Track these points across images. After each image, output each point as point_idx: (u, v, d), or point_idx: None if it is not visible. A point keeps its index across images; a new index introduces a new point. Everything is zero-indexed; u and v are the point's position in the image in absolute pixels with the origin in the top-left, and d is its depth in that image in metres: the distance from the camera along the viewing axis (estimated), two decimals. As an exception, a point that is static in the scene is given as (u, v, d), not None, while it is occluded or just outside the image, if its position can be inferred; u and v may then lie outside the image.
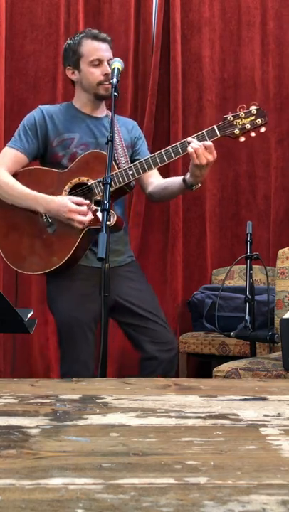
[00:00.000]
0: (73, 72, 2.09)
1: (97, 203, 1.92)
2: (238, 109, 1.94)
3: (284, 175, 3.58)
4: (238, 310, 2.76)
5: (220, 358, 2.78)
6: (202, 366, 3.36)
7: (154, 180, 2.16)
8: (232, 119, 1.94)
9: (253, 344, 2.22)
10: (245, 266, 2.18)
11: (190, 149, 1.88)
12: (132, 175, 1.95)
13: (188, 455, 0.57)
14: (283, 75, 3.60)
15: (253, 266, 2.21)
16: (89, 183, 1.98)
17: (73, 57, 2.06)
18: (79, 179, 2.00)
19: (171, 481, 0.49)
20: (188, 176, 1.97)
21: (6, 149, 2.08)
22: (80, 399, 0.85)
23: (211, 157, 1.88)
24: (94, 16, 3.51)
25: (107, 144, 1.82)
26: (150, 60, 3.45)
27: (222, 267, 3.51)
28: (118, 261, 2.09)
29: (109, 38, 2.09)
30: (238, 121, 1.93)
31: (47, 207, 1.96)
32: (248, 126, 1.92)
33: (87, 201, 1.95)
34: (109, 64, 2.03)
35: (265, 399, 0.86)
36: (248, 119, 1.93)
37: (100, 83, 2.05)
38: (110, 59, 2.04)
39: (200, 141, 1.89)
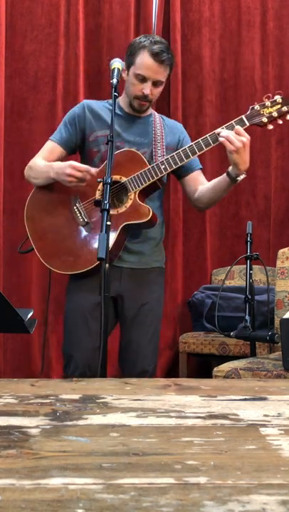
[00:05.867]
0: (124, 70, 2.05)
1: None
2: (263, 98, 1.98)
3: (284, 175, 3.58)
4: (238, 310, 2.76)
5: (220, 358, 2.78)
6: (202, 366, 3.37)
7: (201, 185, 2.16)
8: (259, 108, 1.97)
9: (253, 344, 2.22)
10: (245, 266, 2.18)
11: (221, 138, 1.91)
12: (164, 169, 1.97)
13: (188, 455, 0.57)
14: (283, 75, 3.60)
15: (253, 266, 2.21)
16: (122, 181, 1.99)
17: (128, 59, 2.04)
18: (111, 178, 2.00)
19: (171, 481, 0.49)
20: (230, 168, 1.99)
21: (47, 142, 2.17)
22: (80, 399, 0.85)
23: (244, 139, 1.90)
24: (94, 15, 3.51)
25: (107, 143, 1.81)
26: (150, 60, 3.45)
27: (222, 266, 3.52)
28: (135, 263, 2.09)
29: (166, 61, 2.00)
30: (264, 110, 1.97)
31: (55, 169, 2.00)
32: (275, 114, 1.96)
33: (87, 168, 1.97)
34: (155, 82, 2.01)
35: (265, 399, 0.86)
36: (275, 108, 1.97)
37: (136, 97, 2.05)
38: (159, 81, 2.02)
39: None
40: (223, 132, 1.91)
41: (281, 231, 3.54)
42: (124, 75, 2.06)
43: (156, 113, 2.20)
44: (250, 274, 2.15)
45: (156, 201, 2.13)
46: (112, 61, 2.00)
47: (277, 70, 3.59)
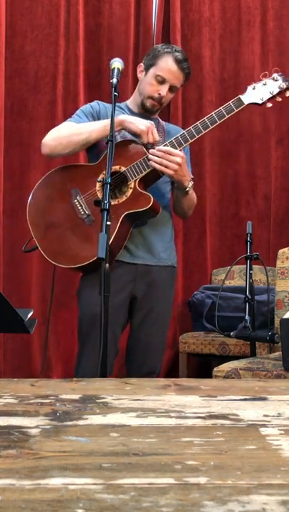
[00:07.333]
0: (142, 71, 2.13)
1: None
2: (260, 77, 1.97)
3: (284, 175, 3.58)
4: (238, 310, 2.76)
5: (220, 358, 2.78)
6: (202, 366, 3.37)
7: None
8: (257, 87, 1.97)
9: (253, 344, 2.22)
10: (245, 266, 2.18)
11: (155, 165, 1.91)
12: None
13: (188, 455, 0.57)
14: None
15: (253, 266, 2.21)
16: (121, 171, 1.99)
17: (149, 61, 2.10)
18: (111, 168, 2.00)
19: (171, 481, 0.49)
20: (175, 184, 2.03)
21: (65, 122, 2.16)
22: (80, 399, 0.85)
23: (178, 158, 1.90)
24: (94, 15, 3.51)
25: (106, 143, 1.81)
26: (150, 60, 3.45)
27: (222, 266, 3.51)
28: (148, 259, 2.08)
29: (186, 69, 2.08)
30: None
31: (128, 117, 2.01)
32: (273, 91, 1.96)
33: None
34: (171, 87, 2.08)
35: (265, 399, 0.86)
36: (273, 85, 1.96)
37: (150, 97, 2.09)
38: (175, 87, 2.09)
39: (227, 113, 1.94)
40: (155, 158, 1.91)
41: (281, 231, 3.54)
42: (140, 75, 2.13)
43: (159, 118, 2.24)
44: (250, 274, 2.15)
45: (164, 198, 2.13)
46: (112, 61, 2.00)
47: (277, 70, 3.59)
